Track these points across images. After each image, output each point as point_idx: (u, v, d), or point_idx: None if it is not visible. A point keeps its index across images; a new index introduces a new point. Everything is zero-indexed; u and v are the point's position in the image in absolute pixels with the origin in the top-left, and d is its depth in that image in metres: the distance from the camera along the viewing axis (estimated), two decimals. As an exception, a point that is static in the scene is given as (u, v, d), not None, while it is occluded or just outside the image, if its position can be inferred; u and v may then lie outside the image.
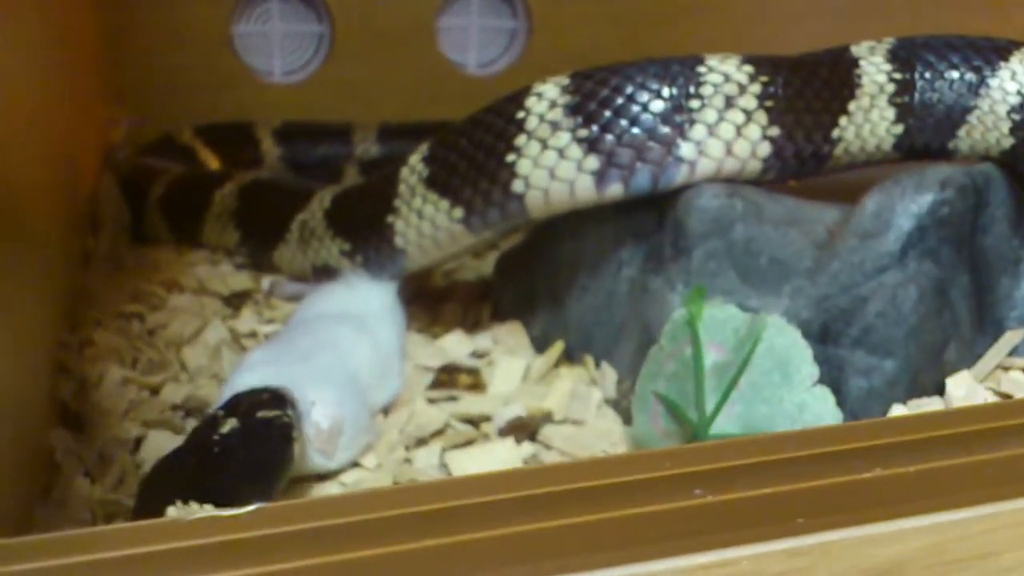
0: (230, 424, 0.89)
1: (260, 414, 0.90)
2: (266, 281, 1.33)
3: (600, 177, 1.05)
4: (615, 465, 0.53)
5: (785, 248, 1.03)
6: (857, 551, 0.49)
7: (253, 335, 1.21)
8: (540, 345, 1.18)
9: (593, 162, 1.05)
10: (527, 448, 1.01)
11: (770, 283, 1.03)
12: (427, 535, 0.48)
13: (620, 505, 0.47)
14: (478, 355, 1.18)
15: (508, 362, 1.15)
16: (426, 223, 1.16)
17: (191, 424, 1.05)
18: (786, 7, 1.99)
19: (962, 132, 1.09)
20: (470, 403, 1.09)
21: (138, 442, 1.00)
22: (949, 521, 0.53)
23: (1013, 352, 1.07)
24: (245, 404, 0.92)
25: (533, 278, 1.22)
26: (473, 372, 1.13)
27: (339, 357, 1.05)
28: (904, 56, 1.10)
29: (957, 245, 1.03)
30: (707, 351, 0.93)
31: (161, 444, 1.00)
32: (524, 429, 1.03)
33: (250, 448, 0.87)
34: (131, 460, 0.97)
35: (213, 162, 1.74)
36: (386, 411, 1.08)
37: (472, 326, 1.26)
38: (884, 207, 1.01)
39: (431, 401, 1.09)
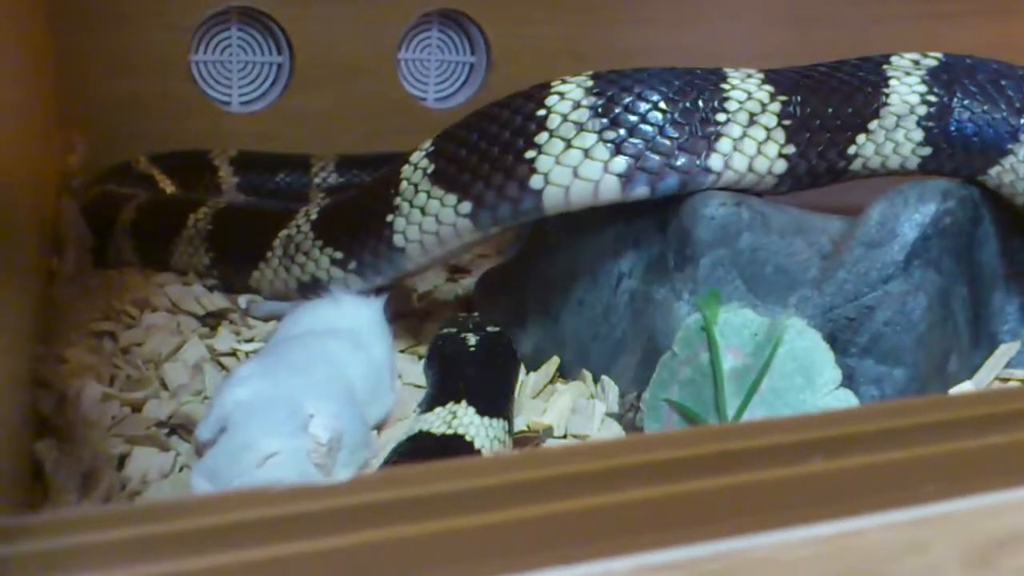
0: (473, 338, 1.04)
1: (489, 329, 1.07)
2: (243, 299, 1.28)
3: (627, 179, 1.04)
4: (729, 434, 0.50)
5: (791, 258, 1.02)
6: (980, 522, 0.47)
7: (233, 354, 1.16)
8: (532, 362, 1.15)
9: (621, 164, 1.04)
10: (532, 462, 0.98)
11: (776, 292, 1.02)
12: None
13: (731, 473, 0.45)
14: (469, 374, 1.15)
15: (503, 379, 1.12)
16: (429, 219, 1.13)
17: (176, 441, 1.00)
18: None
19: (1005, 161, 1.06)
20: (467, 420, 1.05)
21: (122, 459, 0.95)
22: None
23: (1008, 364, 1.08)
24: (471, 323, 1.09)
25: (523, 295, 1.20)
26: (467, 389, 1.10)
27: (334, 370, 1.01)
28: (945, 79, 1.08)
29: (957, 256, 1.04)
30: (724, 355, 0.91)
31: (147, 461, 0.95)
32: (526, 444, 1.00)
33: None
34: (117, 477, 0.92)
35: (171, 189, 1.70)
36: (379, 428, 1.05)
37: (459, 345, 1.22)
38: (888, 217, 1.01)
39: (426, 418, 1.05)
